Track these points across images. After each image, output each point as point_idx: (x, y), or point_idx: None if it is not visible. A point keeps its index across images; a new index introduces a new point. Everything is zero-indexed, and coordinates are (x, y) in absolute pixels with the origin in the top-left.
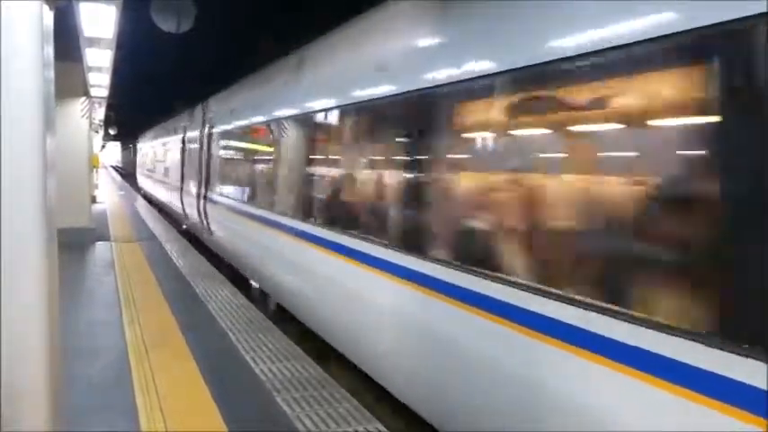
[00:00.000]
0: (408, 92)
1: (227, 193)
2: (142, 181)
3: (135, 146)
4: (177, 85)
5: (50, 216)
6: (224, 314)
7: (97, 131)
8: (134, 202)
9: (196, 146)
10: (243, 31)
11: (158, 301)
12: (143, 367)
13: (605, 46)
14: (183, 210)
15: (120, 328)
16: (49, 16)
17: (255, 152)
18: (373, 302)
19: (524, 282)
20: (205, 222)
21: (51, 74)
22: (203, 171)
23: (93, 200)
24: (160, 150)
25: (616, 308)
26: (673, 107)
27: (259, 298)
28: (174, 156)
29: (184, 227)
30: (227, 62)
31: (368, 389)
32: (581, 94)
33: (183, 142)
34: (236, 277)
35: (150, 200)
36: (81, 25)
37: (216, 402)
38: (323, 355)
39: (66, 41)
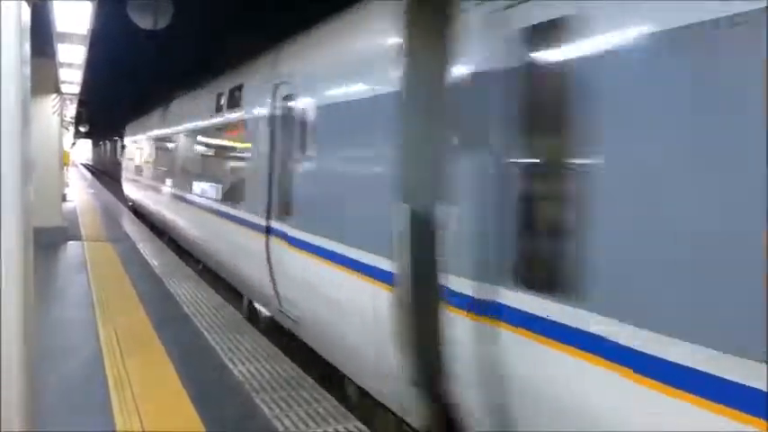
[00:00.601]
0: None
1: None
2: (136, 193)
3: (117, 142)
4: (155, 81)
5: (28, 216)
6: (200, 314)
7: (67, 129)
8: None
9: (328, 129)
10: (222, 29)
11: (133, 301)
12: (118, 369)
13: None
14: (274, 283)
15: (94, 328)
16: (26, 12)
17: None
18: None
19: None
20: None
21: (28, 71)
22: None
23: (63, 198)
24: (181, 144)
25: None
26: None
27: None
28: (229, 152)
29: (263, 310)
30: (204, 61)
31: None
32: None
33: (273, 122)
34: (212, 276)
35: (149, 221)
36: (54, 20)
37: (194, 404)
38: (302, 357)
39: (38, 37)
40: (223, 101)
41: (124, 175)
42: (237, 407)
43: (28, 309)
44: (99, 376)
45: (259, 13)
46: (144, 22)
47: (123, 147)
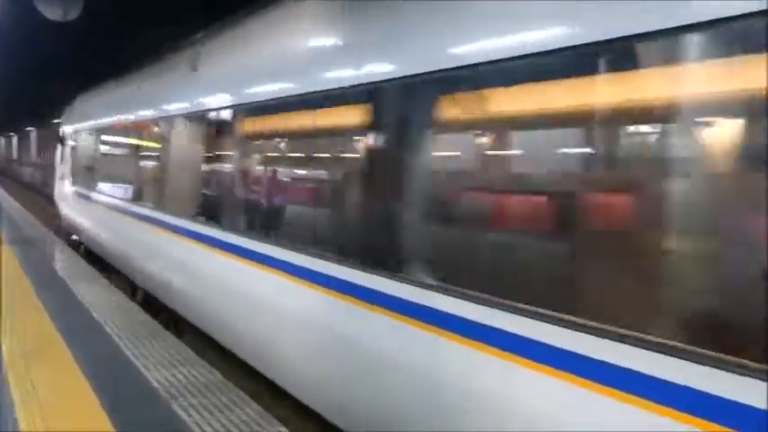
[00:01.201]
0: None
1: None
2: (100, 222)
3: (13, 138)
4: (66, 77)
5: None
6: (110, 319)
7: None
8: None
9: None
10: (131, 22)
11: (36, 308)
12: (23, 380)
13: None
14: None
15: None
16: None
17: None
18: None
19: None
20: None
21: None
22: None
23: None
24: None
25: None
26: None
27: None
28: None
29: None
30: (110, 56)
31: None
32: None
33: None
34: (121, 279)
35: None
36: None
37: (107, 413)
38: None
39: None
40: None
41: (66, 188)
42: (155, 414)
43: None
44: (3, 388)
45: (180, 6)
46: (52, 13)
47: (62, 140)
